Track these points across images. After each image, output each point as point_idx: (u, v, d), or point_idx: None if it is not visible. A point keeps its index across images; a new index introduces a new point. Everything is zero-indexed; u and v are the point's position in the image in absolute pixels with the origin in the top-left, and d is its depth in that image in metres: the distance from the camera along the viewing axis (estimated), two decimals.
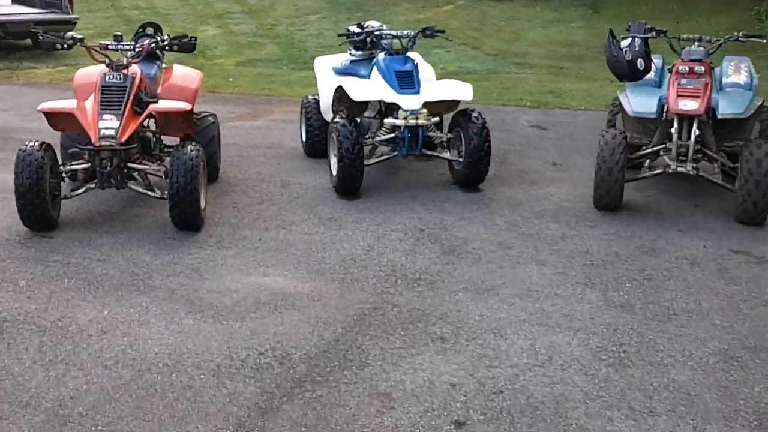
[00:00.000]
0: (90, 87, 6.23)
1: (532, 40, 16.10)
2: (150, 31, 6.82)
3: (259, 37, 17.07)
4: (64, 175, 5.66)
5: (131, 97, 5.56)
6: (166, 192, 5.55)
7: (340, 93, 6.74)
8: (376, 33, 7.18)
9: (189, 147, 5.49)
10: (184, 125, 5.84)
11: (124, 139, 5.41)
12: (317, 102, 7.55)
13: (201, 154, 5.51)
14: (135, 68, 5.77)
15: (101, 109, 5.47)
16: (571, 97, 10.97)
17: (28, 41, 15.33)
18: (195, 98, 6.54)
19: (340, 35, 7.41)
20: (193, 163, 5.40)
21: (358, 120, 6.63)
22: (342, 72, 7.35)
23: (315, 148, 7.61)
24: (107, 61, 5.71)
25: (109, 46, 5.79)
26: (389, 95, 6.44)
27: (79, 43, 5.74)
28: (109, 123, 5.40)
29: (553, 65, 13.62)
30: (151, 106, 5.55)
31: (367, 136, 6.64)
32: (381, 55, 6.81)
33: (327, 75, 7.45)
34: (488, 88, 11.29)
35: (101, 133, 5.35)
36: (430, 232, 5.78)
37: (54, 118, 5.61)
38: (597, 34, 15.21)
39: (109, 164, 5.44)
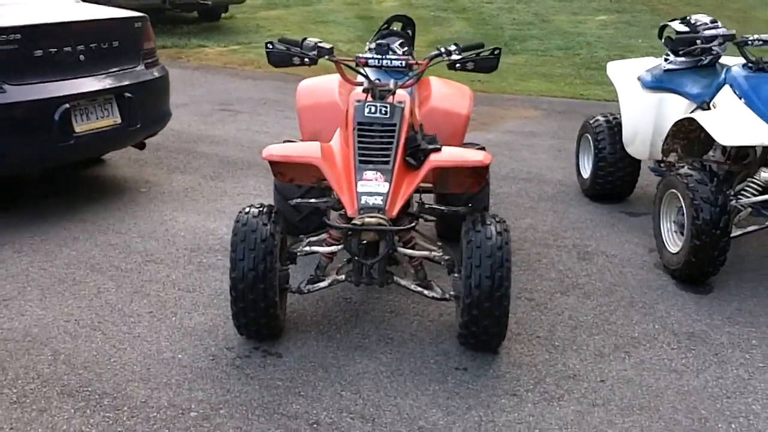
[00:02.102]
0: (327, 115, 4.29)
1: None
2: (396, 27, 4.82)
3: (442, 11, 14.97)
4: (297, 255, 3.76)
5: (403, 143, 3.59)
6: (451, 292, 3.58)
7: (678, 127, 4.55)
8: (708, 34, 4.94)
9: (490, 224, 3.47)
10: (470, 181, 3.80)
11: (395, 211, 3.43)
12: (612, 125, 5.38)
13: (508, 236, 3.47)
14: (402, 94, 3.79)
15: (360, 162, 3.52)
16: None
17: (195, 14, 13.88)
18: (466, 131, 4.53)
19: (663, 36, 5.19)
20: (503, 253, 3.38)
21: (712, 168, 4.41)
22: (655, 86, 5.14)
23: (604, 190, 5.46)
24: (365, 83, 3.76)
25: (370, 62, 3.81)
26: None
27: (326, 56, 3.80)
28: (374, 186, 3.44)
29: None
30: (433, 158, 3.54)
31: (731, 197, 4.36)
32: (737, 70, 4.55)
33: (632, 90, 5.25)
34: None
35: (362, 202, 3.40)
36: None
37: (283, 166, 3.70)
38: None
39: (371, 251, 3.50)
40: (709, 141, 4.57)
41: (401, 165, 3.54)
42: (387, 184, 3.45)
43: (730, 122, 4.27)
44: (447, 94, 4.57)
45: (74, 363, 3.47)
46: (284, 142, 4.65)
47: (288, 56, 3.79)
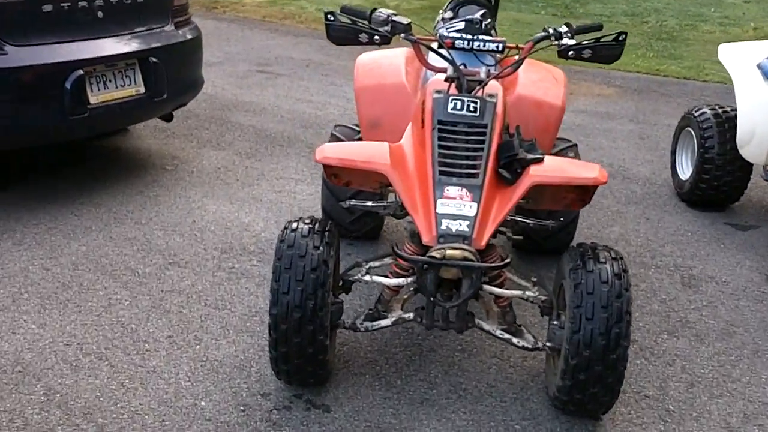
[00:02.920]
0: (392, 99, 3.52)
1: None
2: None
3: None
4: (353, 282, 3.01)
5: (495, 150, 2.81)
6: (547, 343, 2.82)
7: None
8: None
9: (605, 262, 2.68)
10: (573, 198, 3.01)
11: (484, 241, 2.66)
12: (722, 120, 4.53)
13: (628, 279, 2.69)
14: (495, 86, 2.99)
15: (441, 174, 2.74)
16: None
17: None
18: (559, 126, 3.72)
19: None
20: (622, 303, 2.61)
21: None
22: None
23: (706, 196, 4.64)
24: (449, 70, 2.97)
25: (457, 43, 3.00)
26: None
27: (402, 35, 3.00)
28: (458, 206, 2.66)
29: None
30: (534, 172, 2.75)
31: None
32: None
33: (751, 79, 4.39)
34: None
35: (443, 227, 2.62)
36: None
37: (341, 169, 2.93)
38: None
39: (455, 291, 2.74)
40: None
41: (493, 179, 2.77)
42: (475, 205, 2.67)
43: None
44: (536, 79, 3.74)
45: (71, 407, 2.78)
46: (332, 136, 3.89)
47: (354, 32, 2.99)
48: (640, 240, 4.29)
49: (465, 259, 2.60)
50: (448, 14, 3.97)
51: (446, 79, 2.95)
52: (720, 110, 4.60)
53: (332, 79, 7.16)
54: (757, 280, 3.93)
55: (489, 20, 3.81)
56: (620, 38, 2.92)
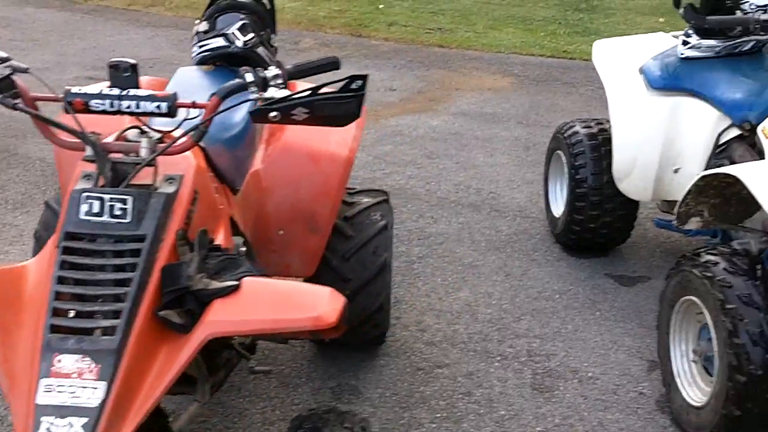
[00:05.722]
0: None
1: None
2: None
3: None
4: None
5: (156, 280, 1.73)
6: None
7: (708, 181, 2.65)
8: (749, 3, 3.06)
9: None
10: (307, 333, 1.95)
11: None
12: (599, 142, 3.48)
13: None
14: (180, 161, 1.91)
15: (52, 331, 1.66)
16: None
17: None
18: (345, 183, 2.66)
19: (679, 6, 3.24)
20: None
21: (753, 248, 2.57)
22: (668, 85, 3.24)
23: (583, 241, 3.61)
24: (86, 149, 1.88)
25: (92, 105, 1.89)
26: None
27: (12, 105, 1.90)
28: (72, 392, 1.60)
29: None
30: (214, 317, 1.69)
31: None
32: None
33: (630, 90, 3.33)
34: None
35: None
36: None
37: None
38: None
39: None
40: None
41: (146, 333, 1.70)
42: (102, 386, 1.61)
43: None
44: (319, 139, 2.64)
45: None
46: (47, 207, 2.77)
47: None
48: (490, 312, 3.25)
49: None
50: (203, 26, 2.88)
51: (88, 159, 1.87)
52: (597, 128, 3.55)
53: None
54: (635, 373, 2.91)
55: (251, 36, 2.77)
56: (353, 86, 1.82)
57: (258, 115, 1.82)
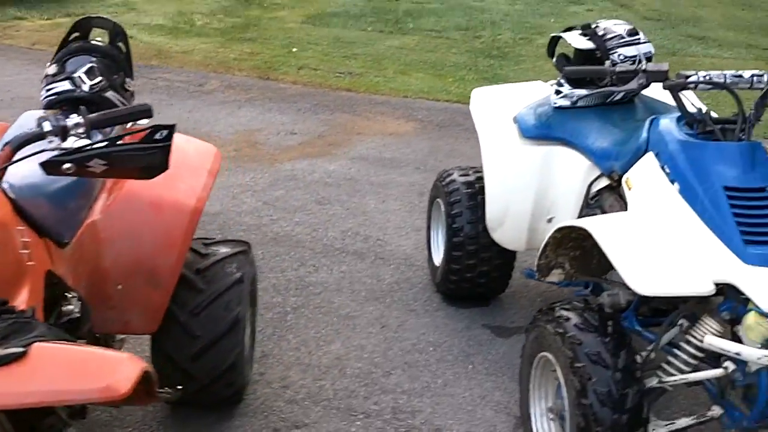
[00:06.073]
0: None
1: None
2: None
3: None
4: None
5: None
6: None
7: (566, 233, 2.60)
8: (618, 54, 3.08)
9: None
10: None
11: None
12: (475, 190, 3.43)
13: None
14: None
15: None
16: None
17: None
18: (191, 235, 2.54)
19: (555, 53, 3.23)
20: None
21: (612, 303, 2.51)
22: (540, 134, 3.21)
23: (460, 290, 3.54)
24: None
25: None
26: (723, 267, 2.28)
27: None
28: None
29: (751, 43, 9.07)
30: None
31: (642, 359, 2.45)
32: (669, 128, 2.62)
33: (503, 139, 3.30)
34: None
35: None
36: None
37: None
38: None
39: None
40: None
41: None
42: None
43: (651, 244, 2.36)
44: (164, 187, 2.49)
45: None
46: None
47: None
48: (359, 366, 3.14)
49: None
50: (53, 69, 2.75)
51: None
52: (474, 176, 3.50)
53: None
54: (501, 431, 2.82)
55: (99, 79, 2.64)
56: (157, 136, 1.71)
57: (50, 167, 1.69)
